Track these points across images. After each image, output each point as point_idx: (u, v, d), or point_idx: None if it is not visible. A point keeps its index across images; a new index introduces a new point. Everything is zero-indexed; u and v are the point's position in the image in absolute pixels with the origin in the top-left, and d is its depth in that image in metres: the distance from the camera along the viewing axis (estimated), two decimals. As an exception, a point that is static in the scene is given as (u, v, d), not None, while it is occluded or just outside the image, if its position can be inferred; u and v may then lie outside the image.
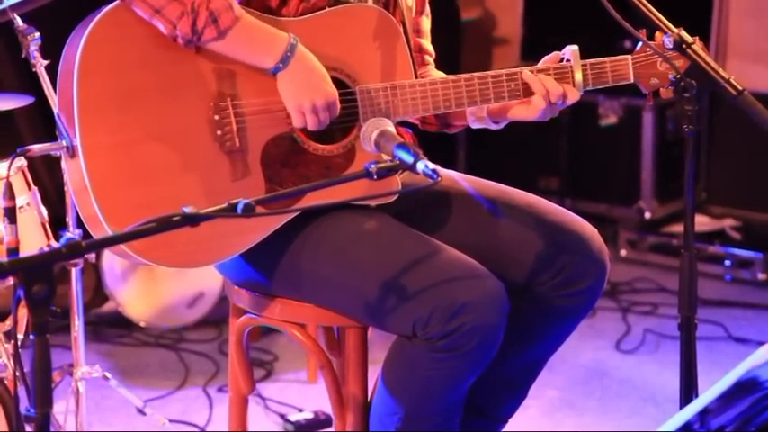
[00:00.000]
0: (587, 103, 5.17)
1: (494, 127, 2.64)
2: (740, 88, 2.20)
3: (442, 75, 2.71)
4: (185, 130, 2.40)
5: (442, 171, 2.60)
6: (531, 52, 5.70)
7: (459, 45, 5.87)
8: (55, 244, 3.10)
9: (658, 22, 2.28)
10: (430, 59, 2.77)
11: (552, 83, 2.53)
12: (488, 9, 6.06)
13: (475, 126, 2.67)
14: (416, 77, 2.58)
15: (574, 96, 2.55)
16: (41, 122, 4.25)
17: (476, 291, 2.35)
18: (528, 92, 2.55)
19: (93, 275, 4.32)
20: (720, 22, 5.27)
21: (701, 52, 2.25)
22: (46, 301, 1.75)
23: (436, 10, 2.82)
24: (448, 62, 2.85)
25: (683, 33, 2.28)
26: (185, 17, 2.35)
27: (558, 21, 5.58)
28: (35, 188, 3.04)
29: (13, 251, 2.74)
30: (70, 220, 3.23)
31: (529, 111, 2.55)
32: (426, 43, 2.77)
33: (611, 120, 5.29)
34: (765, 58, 5.25)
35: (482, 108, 2.60)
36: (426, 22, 2.78)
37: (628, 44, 4.71)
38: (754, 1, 5.25)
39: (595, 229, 2.64)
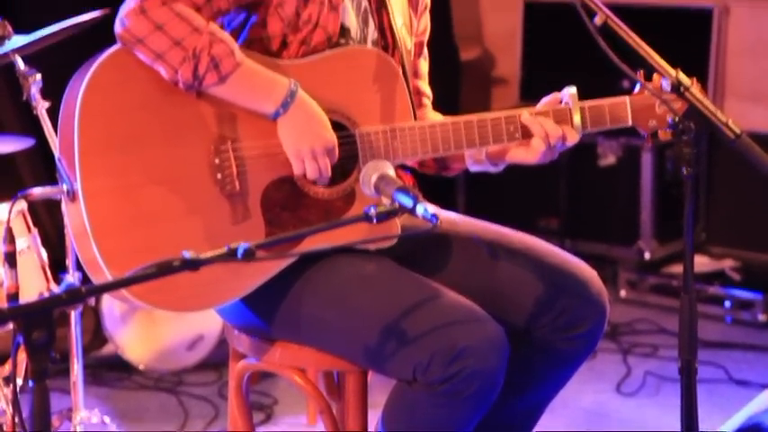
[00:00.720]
0: (586, 144, 5.19)
1: (493, 170, 2.65)
2: (738, 131, 2.21)
3: (439, 116, 2.72)
4: (186, 174, 2.41)
5: (442, 214, 2.62)
6: (530, 92, 5.72)
7: (459, 85, 5.90)
8: (55, 288, 3.11)
9: (656, 65, 2.28)
10: (427, 101, 2.78)
11: (551, 125, 2.54)
12: (487, 49, 6.09)
13: (474, 169, 2.67)
14: (415, 120, 2.59)
15: (573, 138, 2.56)
16: (42, 164, 4.26)
17: (476, 335, 2.35)
18: (527, 134, 2.56)
19: (93, 318, 4.31)
20: (718, 62, 5.29)
21: (698, 95, 2.26)
22: (46, 347, 1.75)
23: (435, 49, 2.83)
24: (447, 102, 2.87)
25: (681, 76, 2.28)
26: (187, 62, 2.36)
27: (556, 60, 5.61)
28: (35, 230, 3.05)
29: (13, 296, 2.74)
30: (70, 262, 3.23)
31: (528, 153, 2.56)
32: (424, 85, 2.78)
33: (610, 160, 5.30)
34: (763, 98, 5.27)
35: (481, 151, 2.61)
36: (424, 65, 2.79)
37: (626, 83, 4.73)
38: (752, 41, 5.28)
39: (594, 272, 2.64)
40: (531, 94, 5.67)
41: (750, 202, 5.14)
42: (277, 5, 2.48)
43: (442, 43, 2.74)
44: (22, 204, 2.95)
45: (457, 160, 2.70)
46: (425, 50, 2.79)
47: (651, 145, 2.70)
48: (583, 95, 2.57)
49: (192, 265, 1.91)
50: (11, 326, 2.68)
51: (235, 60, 2.39)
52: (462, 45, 5.93)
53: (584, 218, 5.40)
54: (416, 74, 2.76)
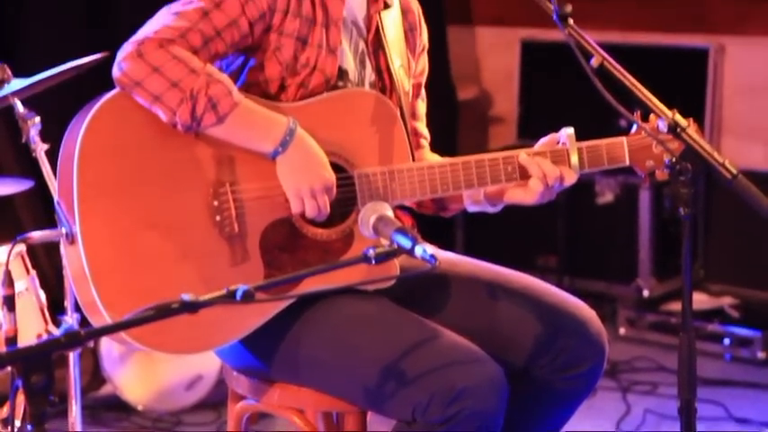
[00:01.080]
0: (584, 182, 5.17)
1: (491, 210, 2.66)
2: (735, 172, 2.22)
3: (437, 157, 2.74)
4: (185, 216, 2.41)
5: (441, 254, 2.62)
6: (528, 131, 5.74)
7: (456, 124, 5.92)
8: (53, 330, 3.12)
9: (653, 106, 2.29)
10: (425, 143, 2.79)
11: (549, 165, 2.55)
12: (484, 88, 6.11)
13: (472, 209, 2.68)
14: (414, 161, 2.60)
15: (571, 179, 2.57)
16: (41, 206, 4.26)
17: (475, 375, 2.35)
18: (525, 174, 2.57)
19: (91, 358, 4.30)
20: (714, 100, 5.31)
21: (695, 136, 2.27)
22: (44, 390, 1.75)
23: (432, 89, 2.85)
24: (444, 141, 2.88)
25: (678, 117, 2.29)
26: (185, 103, 2.37)
27: (553, 99, 5.63)
28: (33, 272, 3.05)
29: (12, 340, 2.74)
30: (68, 304, 3.22)
31: (526, 194, 2.57)
32: (422, 126, 2.79)
33: (608, 198, 5.31)
34: (759, 136, 5.29)
35: (479, 191, 2.62)
36: (422, 106, 2.80)
37: (623, 122, 4.75)
38: (748, 80, 5.30)
39: (593, 312, 2.64)
40: (528, 133, 5.70)
41: (748, 239, 5.14)
42: (275, 49, 2.50)
43: (439, 83, 2.76)
44: (20, 247, 2.96)
45: (455, 201, 2.70)
46: (423, 92, 2.80)
47: (649, 184, 2.71)
48: (580, 134, 2.58)
49: (191, 307, 1.92)
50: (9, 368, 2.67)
51: (232, 100, 2.40)
52: (459, 84, 5.95)
53: (583, 255, 5.40)
54: (414, 115, 2.77)
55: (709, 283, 5.27)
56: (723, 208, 5.21)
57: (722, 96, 5.34)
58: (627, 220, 5.25)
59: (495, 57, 6.03)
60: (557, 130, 2.62)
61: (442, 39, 5.72)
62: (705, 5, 5.31)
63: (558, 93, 5.55)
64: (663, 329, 5.08)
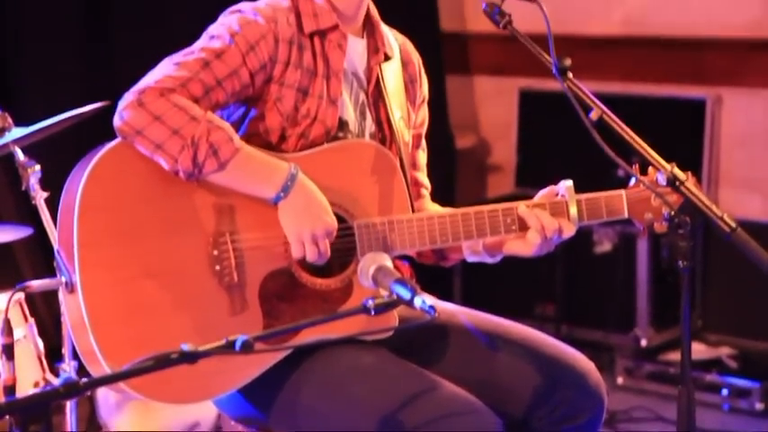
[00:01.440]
0: (582, 231, 5.15)
1: (489, 261, 2.67)
2: (734, 225, 2.23)
3: (437, 207, 2.74)
4: (184, 266, 2.42)
5: (440, 305, 2.62)
6: (526, 179, 5.76)
7: (454, 172, 5.93)
8: (51, 377, 3.11)
9: (652, 159, 2.31)
10: (425, 192, 2.80)
11: (548, 217, 2.56)
12: (482, 137, 6.13)
13: (471, 260, 2.69)
14: (413, 211, 2.61)
15: (569, 231, 2.58)
16: (40, 253, 4.26)
17: (474, 427, 2.34)
18: (524, 226, 2.58)
19: (87, 405, 4.28)
20: (712, 150, 5.33)
21: (694, 189, 2.28)
22: (43, 440, 1.75)
23: (430, 137, 2.86)
24: (443, 190, 2.89)
25: (676, 170, 2.31)
26: (186, 150, 2.38)
27: (551, 148, 5.65)
28: (32, 320, 3.05)
29: (11, 389, 2.73)
30: (66, 351, 3.22)
31: (525, 246, 2.58)
32: (422, 176, 2.81)
33: (606, 247, 5.31)
34: (757, 186, 5.30)
35: (478, 242, 2.63)
36: (423, 156, 2.82)
37: (621, 171, 4.75)
38: (745, 131, 5.32)
39: (592, 364, 2.64)
40: (526, 182, 5.71)
41: (746, 290, 5.14)
42: (276, 100, 2.52)
43: (437, 131, 2.78)
44: (19, 295, 2.96)
45: (455, 251, 2.71)
46: (424, 142, 2.82)
47: (647, 236, 2.72)
48: (578, 183, 2.60)
49: (191, 358, 1.92)
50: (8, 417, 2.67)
51: (234, 146, 2.41)
52: (458, 133, 5.97)
53: (581, 304, 5.39)
54: (415, 165, 2.78)
55: (707, 334, 5.26)
56: (721, 257, 5.21)
57: (720, 146, 5.36)
58: (625, 269, 5.25)
59: (494, 106, 6.06)
60: (555, 178, 2.63)
61: (440, 87, 5.74)
62: (702, 56, 5.35)
63: (557, 142, 5.57)
64: (661, 379, 5.06)
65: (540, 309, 5.44)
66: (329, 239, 2.46)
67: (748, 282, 5.05)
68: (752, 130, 5.31)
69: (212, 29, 2.51)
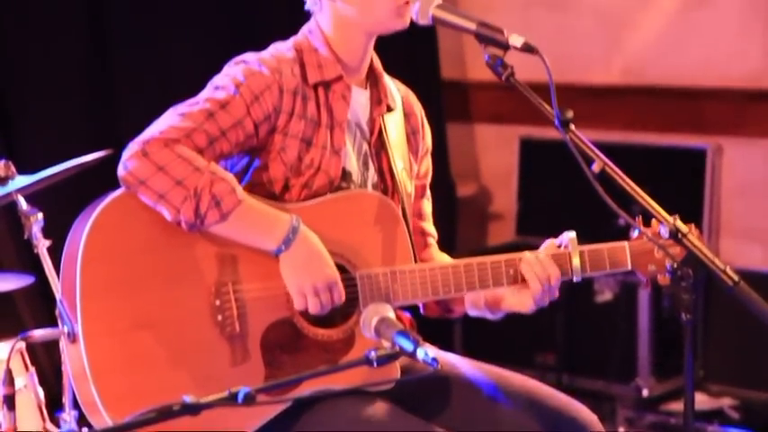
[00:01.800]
0: (583, 279, 5.18)
1: (490, 317, 2.67)
2: (736, 278, 2.23)
3: (445, 257, 2.74)
4: (187, 316, 2.42)
5: (441, 356, 2.62)
6: (527, 228, 5.76)
7: (455, 221, 5.93)
8: (51, 428, 3.10)
9: (654, 212, 2.31)
10: (432, 241, 2.81)
11: (553, 267, 2.57)
12: (483, 185, 6.14)
13: (472, 314, 2.69)
14: (416, 262, 2.61)
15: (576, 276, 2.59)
16: (41, 302, 4.26)
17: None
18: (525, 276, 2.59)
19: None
20: (713, 200, 5.34)
21: (697, 242, 2.28)
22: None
23: (431, 185, 2.86)
24: (444, 238, 2.89)
25: (679, 223, 2.31)
26: (188, 201, 2.39)
27: (552, 196, 5.65)
28: (32, 369, 3.04)
29: (11, 440, 2.72)
30: (67, 401, 3.20)
31: (524, 302, 2.59)
32: (428, 226, 2.81)
33: (607, 296, 5.31)
34: (757, 235, 5.30)
35: (480, 297, 2.63)
36: (428, 206, 2.82)
37: (623, 221, 4.75)
38: (745, 180, 5.33)
39: (594, 415, 2.63)
40: (527, 230, 5.71)
41: (748, 340, 5.13)
42: (279, 150, 2.52)
43: (438, 179, 2.80)
44: (21, 344, 2.95)
45: (460, 303, 2.71)
46: (428, 192, 2.82)
47: (650, 287, 2.72)
48: (579, 231, 2.60)
49: (193, 409, 1.91)
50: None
51: (236, 197, 2.42)
52: (459, 181, 5.98)
53: (582, 354, 5.38)
54: (420, 215, 2.79)
55: (709, 384, 5.24)
56: (722, 307, 5.20)
57: (720, 196, 5.37)
58: (626, 318, 5.24)
59: (494, 154, 6.07)
60: (556, 227, 2.64)
61: (441, 135, 5.76)
62: (702, 106, 5.37)
63: (558, 190, 5.58)
64: (662, 429, 5.03)
65: (541, 358, 5.42)
66: (331, 293, 2.46)
67: (750, 332, 5.04)
68: (752, 180, 5.32)
69: (217, 79, 2.52)
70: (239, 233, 2.45)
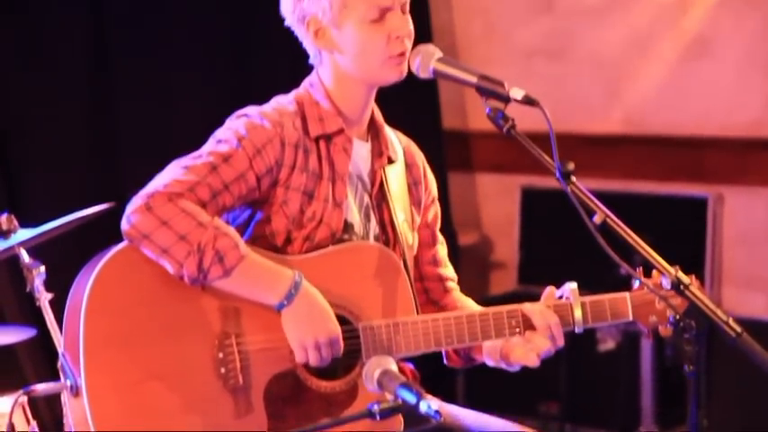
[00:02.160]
0: (586, 328, 5.18)
1: (506, 367, 2.66)
2: (739, 330, 2.23)
3: (469, 300, 2.75)
4: (190, 369, 2.42)
5: (444, 407, 2.62)
6: (529, 277, 5.75)
7: (457, 270, 5.91)
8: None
9: (656, 263, 2.31)
10: (453, 285, 2.83)
11: (553, 316, 2.58)
12: (485, 234, 6.14)
13: (491, 364, 2.69)
14: (418, 312, 2.62)
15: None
16: (43, 355, 4.25)
17: None
18: (528, 327, 2.58)
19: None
20: (714, 248, 5.34)
21: (699, 293, 2.28)
22: None
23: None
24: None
25: (681, 274, 2.31)
26: (192, 256, 2.39)
27: (554, 245, 5.65)
28: (34, 423, 3.03)
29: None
30: (68, 454, 3.19)
31: (529, 355, 2.58)
32: (446, 270, 2.82)
33: (610, 345, 5.30)
34: (760, 284, 5.30)
35: (495, 351, 2.63)
36: (442, 250, 2.83)
37: (624, 270, 4.75)
38: (747, 229, 5.34)
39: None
40: (529, 279, 5.71)
41: (752, 390, 5.11)
42: (282, 203, 2.53)
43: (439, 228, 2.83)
44: (23, 398, 2.94)
45: (480, 352, 2.70)
46: (440, 237, 2.83)
47: (652, 339, 2.72)
48: (581, 280, 2.61)
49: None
50: None
51: (239, 253, 2.42)
52: (460, 230, 5.98)
53: (585, 403, 5.36)
54: (436, 262, 2.80)
55: (713, 432, 5.22)
56: (726, 357, 5.17)
57: (722, 245, 5.37)
58: (629, 367, 5.22)
59: (496, 203, 6.08)
60: (558, 276, 2.65)
61: (442, 185, 5.75)
62: (703, 155, 5.38)
63: (559, 239, 5.58)
64: (667, 479, 5.02)
65: (544, 408, 5.40)
66: (333, 347, 2.46)
67: (754, 382, 5.02)
68: (754, 229, 5.32)
69: (219, 133, 2.54)
70: (242, 288, 2.45)
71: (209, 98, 4.67)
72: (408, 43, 2.56)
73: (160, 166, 2.51)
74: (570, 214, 2.39)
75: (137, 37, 4.64)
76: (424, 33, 2.73)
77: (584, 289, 2.65)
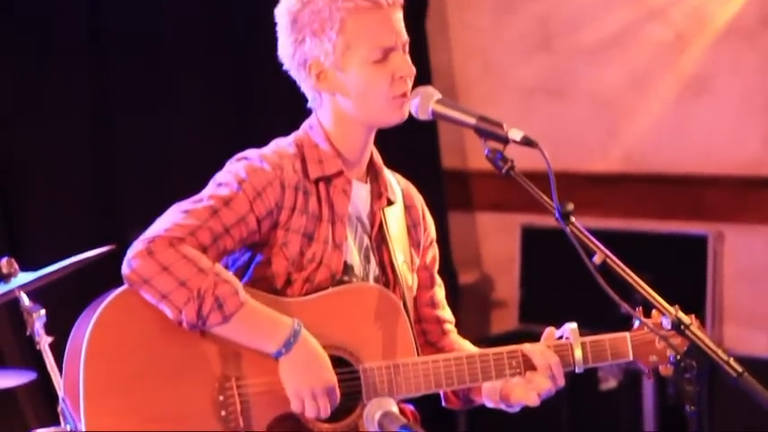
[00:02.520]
0: (586, 368, 5.17)
1: (505, 408, 2.66)
2: (740, 370, 2.23)
3: (466, 342, 2.75)
4: (190, 412, 2.42)
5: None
6: (529, 315, 5.75)
7: (457, 308, 5.90)
8: None
9: (656, 303, 2.32)
10: (450, 327, 2.83)
11: (554, 356, 2.58)
12: (485, 273, 6.14)
13: (490, 405, 2.69)
14: (418, 354, 2.61)
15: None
16: (43, 399, 4.24)
17: None
18: (529, 368, 2.59)
19: None
20: (715, 286, 5.34)
21: (699, 333, 2.28)
22: None
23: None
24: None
25: (681, 314, 2.31)
26: (191, 302, 2.39)
27: (555, 284, 5.65)
28: (35, 467, 3.02)
29: None
30: (68, 499, 3.18)
31: (529, 395, 2.58)
32: (443, 313, 2.82)
33: (612, 384, 5.29)
34: (761, 322, 5.29)
35: (495, 392, 2.63)
36: (440, 292, 2.83)
37: (624, 309, 4.74)
38: (747, 267, 5.34)
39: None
40: (530, 318, 5.70)
41: (754, 427, 5.09)
42: (282, 245, 2.54)
43: (439, 267, 2.82)
44: (23, 442, 2.94)
45: (478, 393, 2.70)
46: (438, 279, 2.83)
47: (653, 379, 2.73)
48: (582, 318, 2.62)
49: None
50: None
51: (239, 300, 2.43)
52: (460, 269, 5.99)
53: (587, 442, 5.35)
54: (434, 304, 2.80)
55: (718, 471, 5.21)
56: (728, 394, 5.16)
57: (723, 283, 5.37)
58: (631, 406, 5.21)
59: (496, 242, 6.08)
60: (559, 314, 2.66)
61: (442, 224, 5.78)
62: (702, 193, 5.40)
63: (560, 277, 5.57)
64: None
65: (546, 447, 5.39)
66: (329, 397, 2.46)
67: (755, 420, 5.00)
68: (754, 267, 5.32)
69: (219, 176, 2.54)
70: (241, 335, 2.45)
71: (209, 142, 4.68)
72: (410, 83, 2.57)
73: (160, 210, 2.52)
74: (571, 253, 2.39)
75: (137, 81, 4.66)
76: (423, 73, 2.74)
77: (586, 328, 2.65)
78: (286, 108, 2.73)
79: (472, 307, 6.04)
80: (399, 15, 2.58)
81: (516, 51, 5.78)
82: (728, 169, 5.31)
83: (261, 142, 2.64)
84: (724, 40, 5.29)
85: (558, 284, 5.58)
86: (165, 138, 4.70)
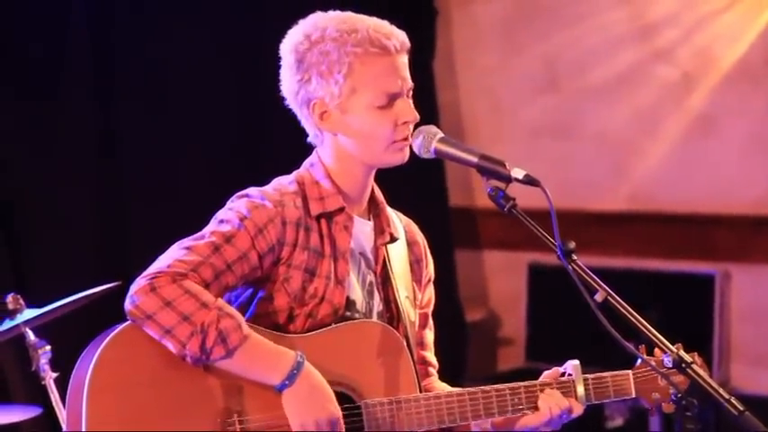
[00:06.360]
0: (594, 405, 5.15)
1: None
2: (741, 408, 2.23)
3: (446, 387, 2.75)
4: (193, 448, 2.42)
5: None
6: (536, 353, 5.75)
7: (465, 346, 5.92)
8: None
9: (658, 342, 2.32)
10: (433, 371, 2.81)
11: (558, 395, 2.58)
12: (492, 310, 6.14)
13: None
14: (420, 390, 2.61)
15: (578, 410, 2.60)
16: (48, 433, 4.25)
17: None
18: (531, 405, 2.59)
19: None
20: (722, 325, 5.33)
21: (701, 371, 2.28)
22: None
23: (440, 311, 2.87)
24: (453, 363, 2.90)
25: (682, 353, 2.32)
26: (195, 337, 2.40)
27: (561, 321, 5.65)
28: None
29: None
30: None
31: (536, 415, 2.58)
32: (430, 356, 2.82)
33: (618, 422, 5.27)
34: (767, 361, 5.28)
35: (486, 422, 2.63)
36: (430, 335, 2.83)
37: (626, 348, 4.73)
38: (754, 306, 5.34)
39: None
40: (537, 355, 5.70)
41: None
42: (284, 281, 2.55)
43: (446, 305, 2.81)
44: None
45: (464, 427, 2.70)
46: (431, 321, 2.84)
47: (657, 414, 2.73)
48: (589, 355, 2.63)
49: None
50: None
51: (242, 334, 2.43)
52: (467, 306, 5.99)
53: (594, 481, 5.32)
54: (423, 345, 2.80)
55: None
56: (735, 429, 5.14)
57: (730, 322, 5.36)
58: (637, 445, 5.20)
59: (503, 279, 6.09)
60: (566, 351, 2.67)
61: (449, 261, 5.79)
62: (710, 232, 5.40)
63: (567, 315, 5.56)
64: None
65: (553, 486, 5.35)
66: (333, 428, 2.46)
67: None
68: (761, 306, 5.32)
69: (221, 213, 2.56)
70: (244, 368, 2.46)
71: (215, 182, 4.69)
72: (411, 128, 2.59)
73: (166, 246, 2.53)
74: (577, 291, 2.40)
75: (143, 122, 4.69)
76: (430, 112, 2.77)
77: (593, 365, 2.65)
78: (291, 148, 2.73)
79: (479, 344, 6.04)
80: (405, 60, 2.59)
81: (523, 91, 5.80)
82: (736, 209, 5.32)
83: (265, 181, 2.66)
84: (730, 81, 5.31)
85: (565, 322, 5.57)
86: (170, 177, 4.72)
